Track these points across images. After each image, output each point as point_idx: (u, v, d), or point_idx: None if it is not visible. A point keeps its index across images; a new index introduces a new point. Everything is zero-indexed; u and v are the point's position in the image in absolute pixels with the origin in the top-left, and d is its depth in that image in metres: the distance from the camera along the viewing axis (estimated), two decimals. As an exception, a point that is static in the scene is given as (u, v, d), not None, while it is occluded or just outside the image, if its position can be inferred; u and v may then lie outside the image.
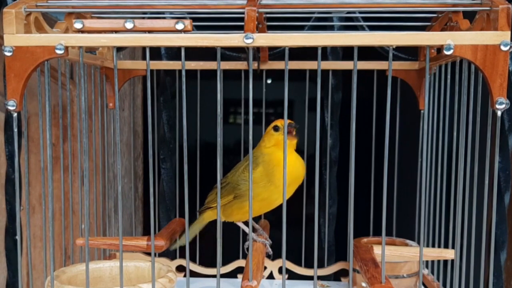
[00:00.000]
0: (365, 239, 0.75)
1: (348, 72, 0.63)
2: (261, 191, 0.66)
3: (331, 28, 0.80)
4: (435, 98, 0.74)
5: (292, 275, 0.81)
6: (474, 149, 0.59)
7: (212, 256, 0.66)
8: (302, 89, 0.81)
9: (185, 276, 0.79)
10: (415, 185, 0.80)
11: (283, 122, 0.65)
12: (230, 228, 0.72)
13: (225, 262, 0.83)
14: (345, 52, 0.86)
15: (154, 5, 0.56)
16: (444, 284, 0.71)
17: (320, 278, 0.84)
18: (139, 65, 0.82)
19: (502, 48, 0.47)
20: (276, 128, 0.67)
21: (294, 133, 0.67)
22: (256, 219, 0.76)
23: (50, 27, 0.56)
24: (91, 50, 0.73)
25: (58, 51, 0.49)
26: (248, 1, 0.52)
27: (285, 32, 0.49)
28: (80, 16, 0.62)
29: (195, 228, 0.76)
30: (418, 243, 0.75)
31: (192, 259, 0.80)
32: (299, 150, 0.78)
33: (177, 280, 0.60)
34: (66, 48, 0.50)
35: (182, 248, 0.84)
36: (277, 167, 0.65)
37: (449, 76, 0.69)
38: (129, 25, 0.50)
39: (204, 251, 0.86)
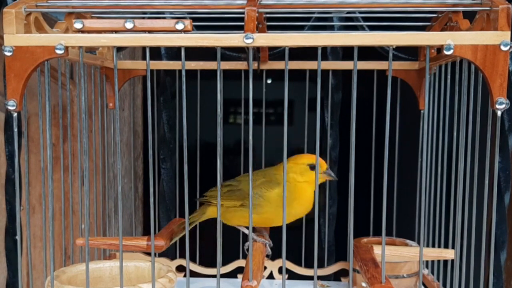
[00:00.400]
0: (365, 239, 0.75)
1: (348, 72, 0.63)
2: (270, 211, 0.66)
3: (331, 28, 0.80)
4: (435, 98, 0.74)
5: (292, 275, 0.81)
6: (474, 149, 0.59)
7: (212, 256, 0.66)
8: (302, 89, 0.81)
9: (185, 276, 0.79)
10: (415, 185, 0.80)
11: (321, 164, 0.66)
12: (230, 228, 0.72)
13: (225, 262, 0.83)
14: (345, 52, 0.86)
15: (154, 5, 0.56)
16: (444, 284, 0.71)
17: (320, 278, 0.84)
18: (139, 65, 0.82)
19: (502, 48, 0.47)
20: (312, 167, 0.66)
21: (327, 176, 0.67)
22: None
23: (50, 27, 0.56)
24: (91, 50, 0.73)
25: (58, 51, 0.49)
26: (248, 1, 0.52)
27: (285, 32, 0.49)
28: (80, 16, 0.62)
29: (195, 220, 0.73)
30: (418, 243, 0.75)
31: (192, 259, 0.80)
32: (299, 149, 0.78)
33: (177, 280, 0.60)
34: (66, 48, 0.50)
35: (182, 248, 0.84)
36: (298, 200, 0.66)
37: (449, 76, 0.69)
38: (129, 25, 0.50)
39: (204, 251, 0.86)
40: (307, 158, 0.67)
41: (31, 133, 0.80)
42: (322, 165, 0.67)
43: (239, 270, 0.84)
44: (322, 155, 0.91)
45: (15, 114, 0.51)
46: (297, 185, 0.66)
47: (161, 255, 0.85)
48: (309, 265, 0.83)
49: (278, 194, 0.66)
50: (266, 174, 0.68)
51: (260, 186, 0.67)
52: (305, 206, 0.67)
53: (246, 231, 0.70)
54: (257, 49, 0.77)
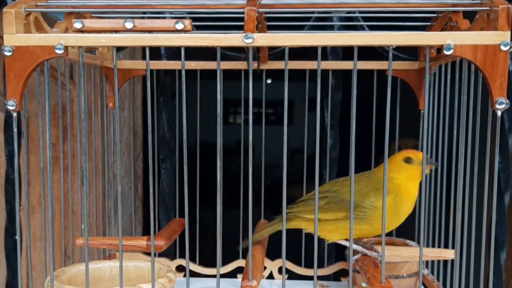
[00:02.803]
0: (365, 239, 0.75)
1: (348, 72, 0.63)
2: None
3: (331, 28, 0.80)
4: (435, 98, 0.74)
5: (292, 275, 0.81)
6: (474, 149, 0.59)
7: (212, 256, 0.66)
8: (302, 89, 0.81)
9: (185, 276, 0.79)
10: (415, 185, 0.80)
11: (417, 154, 0.64)
12: (230, 228, 0.71)
13: (225, 262, 0.83)
14: (345, 52, 0.86)
15: (154, 5, 0.56)
16: (444, 284, 0.71)
17: (320, 278, 0.84)
18: (139, 65, 0.82)
19: (502, 48, 0.47)
20: (408, 160, 0.64)
21: (429, 165, 0.66)
22: (255, 220, 0.76)
23: (50, 27, 0.56)
24: (91, 50, 0.73)
25: (57, 51, 0.49)
26: (248, 1, 0.52)
27: (285, 32, 0.49)
28: (80, 16, 0.62)
29: (269, 230, 0.69)
30: (418, 243, 0.75)
31: (192, 259, 0.80)
32: (299, 150, 0.78)
33: (177, 280, 0.60)
34: (66, 48, 0.50)
35: (182, 248, 0.84)
36: (406, 200, 0.64)
37: (449, 76, 0.69)
38: (129, 25, 0.50)
39: (204, 251, 0.86)
40: (401, 154, 0.65)
41: (31, 133, 0.80)
42: (419, 155, 0.64)
43: (239, 270, 0.84)
44: (322, 155, 0.91)
45: (14, 114, 0.51)
46: (401, 186, 0.64)
47: (161, 255, 0.85)
48: (309, 265, 0.83)
49: (389, 202, 0.63)
50: (371, 180, 0.65)
51: (369, 194, 0.63)
52: (411, 204, 0.65)
53: (347, 244, 0.66)
54: (257, 49, 0.77)
